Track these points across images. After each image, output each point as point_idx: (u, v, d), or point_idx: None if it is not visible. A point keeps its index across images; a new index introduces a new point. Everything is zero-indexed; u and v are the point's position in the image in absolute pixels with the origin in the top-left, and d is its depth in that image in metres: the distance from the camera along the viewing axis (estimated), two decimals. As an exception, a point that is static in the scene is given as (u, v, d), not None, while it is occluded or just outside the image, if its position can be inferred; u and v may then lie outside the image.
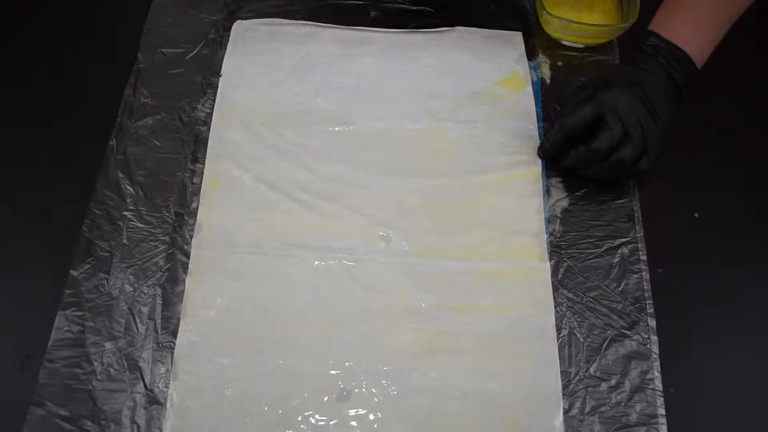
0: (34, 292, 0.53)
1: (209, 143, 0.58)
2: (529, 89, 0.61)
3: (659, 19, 0.56)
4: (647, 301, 0.53)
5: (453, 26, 0.65)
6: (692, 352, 0.52)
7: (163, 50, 0.63)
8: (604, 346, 0.51)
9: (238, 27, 0.64)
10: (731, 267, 0.56)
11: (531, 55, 0.64)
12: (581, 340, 0.51)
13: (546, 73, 0.63)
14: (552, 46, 0.65)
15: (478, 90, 0.61)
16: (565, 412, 0.49)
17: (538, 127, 0.60)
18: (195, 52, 0.63)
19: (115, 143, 0.58)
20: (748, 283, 0.55)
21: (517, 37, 0.65)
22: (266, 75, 0.61)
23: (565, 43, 0.64)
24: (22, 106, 0.62)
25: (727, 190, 0.59)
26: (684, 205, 0.58)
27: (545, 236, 0.55)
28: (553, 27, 0.63)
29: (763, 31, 0.66)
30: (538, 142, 0.59)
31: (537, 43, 0.65)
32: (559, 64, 0.64)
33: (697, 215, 0.58)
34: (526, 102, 0.61)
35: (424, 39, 0.64)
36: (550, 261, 0.54)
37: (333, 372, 0.50)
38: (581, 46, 0.64)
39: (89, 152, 0.58)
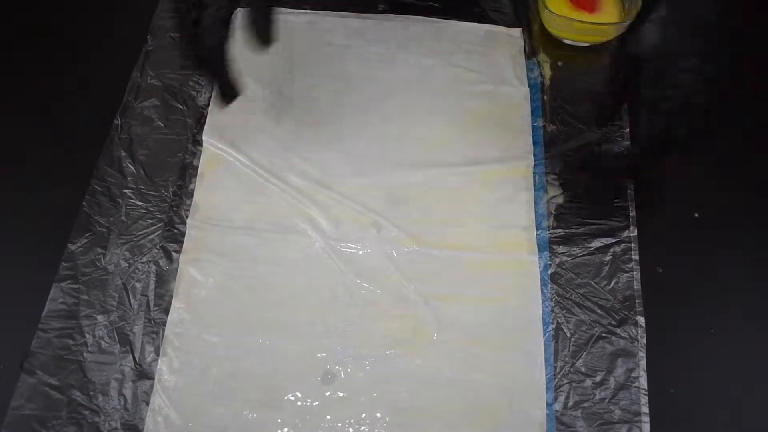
0: (34, 291, 0.53)
1: (206, 127, 0.59)
2: (525, 85, 0.62)
3: None
4: (636, 300, 0.52)
5: (453, 20, 0.65)
6: (690, 352, 0.52)
7: (171, 34, 0.64)
8: (591, 342, 0.51)
9: (238, 14, 0.65)
10: (731, 267, 0.56)
11: (531, 53, 0.64)
12: (568, 335, 0.51)
13: (546, 71, 0.63)
14: (552, 44, 0.65)
15: (473, 84, 0.62)
16: (549, 405, 0.49)
17: (533, 124, 0.60)
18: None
19: (120, 122, 0.60)
20: (748, 282, 0.55)
21: (516, 32, 0.65)
22: (261, 64, 0.61)
23: (566, 41, 0.64)
24: (31, 86, 0.63)
25: (727, 190, 0.59)
26: (684, 205, 0.58)
27: (535, 230, 0.55)
28: (555, 25, 0.63)
29: (762, 32, 0.66)
30: (531, 138, 0.59)
31: (538, 41, 0.65)
32: (559, 63, 0.64)
33: (697, 215, 0.58)
34: (522, 98, 0.61)
35: (422, 31, 0.64)
36: (540, 257, 0.54)
37: (319, 355, 0.50)
38: (583, 44, 0.64)
39: (96, 131, 0.59)
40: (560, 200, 0.57)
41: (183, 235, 0.54)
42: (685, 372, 0.51)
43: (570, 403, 0.49)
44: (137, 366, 0.50)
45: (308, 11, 0.65)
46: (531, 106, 0.61)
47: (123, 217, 0.55)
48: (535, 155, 0.58)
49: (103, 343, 0.51)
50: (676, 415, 0.50)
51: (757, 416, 0.50)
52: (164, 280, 0.53)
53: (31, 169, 0.59)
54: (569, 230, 0.55)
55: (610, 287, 0.53)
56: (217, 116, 0.59)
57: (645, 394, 0.49)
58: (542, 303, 0.52)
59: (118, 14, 0.67)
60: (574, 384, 0.50)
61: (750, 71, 0.64)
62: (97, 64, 0.64)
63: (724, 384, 0.51)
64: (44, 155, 0.59)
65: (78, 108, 0.61)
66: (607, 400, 0.49)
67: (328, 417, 0.48)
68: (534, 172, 0.58)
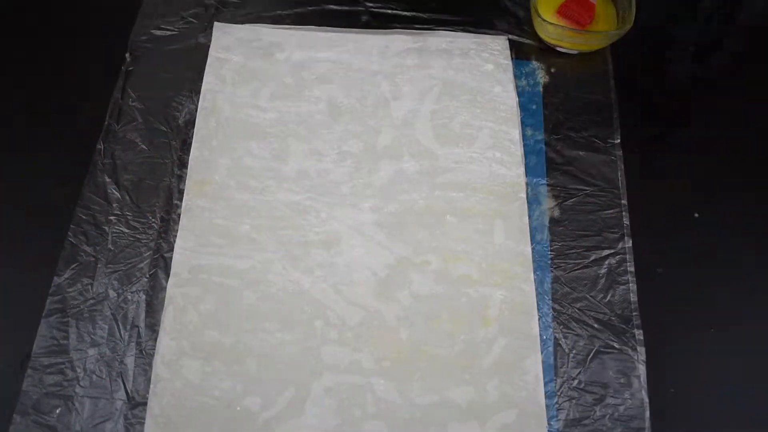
0: (33, 291, 0.53)
1: (192, 150, 0.57)
2: (514, 95, 0.60)
3: None
4: (634, 313, 0.52)
5: (438, 29, 0.64)
6: (690, 352, 0.52)
7: (152, 53, 0.63)
8: (590, 357, 0.51)
9: (218, 30, 0.63)
10: (731, 267, 0.55)
11: (522, 61, 0.63)
12: (566, 351, 0.51)
13: (539, 79, 0.62)
14: (545, 52, 0.64)
15: (459, 96, 0.60)
16: (549, 424, 0.48)
17: (525, 134, 0.59)
18: (184, 55, 0.63)
19: (102, 147, 0.58)
20: (748, 282, 0.55)
21: (502, 40, 0.63)
22: (244, 83, 0.61)
23: (559, 49, 0.63)
24: (9, 110, 0.61)
25: (727, 190, 0.59)
26: (684, 205, 0.58)
27: (529, 245, 0.54)
28: (547, 33, 0.62)
29: (760, 34, 0.65)
30: (521, 149, 0.58)
31: (530, 49, 0.64)
32: (552, 70, 0.63)
33: (697, 215, 0.57)
34: (511, 108, 0.60)
35: (405, 41, 0.63)
36: (536, 271, 0.53)
37: (314, 382, 0.49)
38: (576, 52, 0.63)
39: (78, 156, 0.58)
40: (556, 213, 0.56)
41: (171, 261, 0.53)
42: (685, 372, 0.51)
43: (571, 421, 0.49)
44: (131, 399, 0.49)
45: (291, 27, 0.64)
46: (523, 115, 0.60)
47: (110, 246, 0.54)
48: (527, 166, 0.58)
49: (94, 377, 0.50)
50: (677, 415, 0.50)
51: (758, 416, 0.50)
52: (155, 309, 0.52)
53: (15, 199, 0.57)
54: (565, 243, 0.55)
55: (607, 300, 0.53)
56: (202, 137, 0.58)
57: (647, 409, 0.49)
58: (539, 319, 0.52)
59: (94, 32, 0.66)
60: (574, 401, 0.49)
61: (749, 72, 0.64)
62: (75, 86, 0.62)
63: (724, 384, 0.51)
64: (26, 184, 0.57)
65: (59, 133, 0.60)
66: (607, 417, 0.49)
67: None
68: (528, 184, 0.57)
